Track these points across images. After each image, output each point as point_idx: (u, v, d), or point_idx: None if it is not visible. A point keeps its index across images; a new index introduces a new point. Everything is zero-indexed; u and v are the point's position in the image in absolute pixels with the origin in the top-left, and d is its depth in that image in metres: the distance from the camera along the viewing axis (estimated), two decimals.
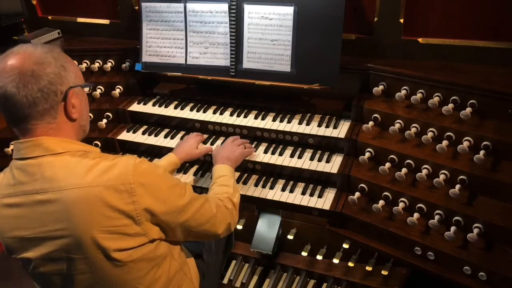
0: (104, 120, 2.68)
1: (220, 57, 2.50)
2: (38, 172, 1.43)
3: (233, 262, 2.99)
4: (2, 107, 1.43)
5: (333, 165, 2.25)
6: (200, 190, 2.34)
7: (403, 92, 2.17)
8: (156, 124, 2.69)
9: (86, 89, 1.74)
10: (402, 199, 2.03)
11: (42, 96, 1.41)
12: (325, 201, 2.19)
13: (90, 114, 2.53)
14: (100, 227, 1.40)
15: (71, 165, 1.43)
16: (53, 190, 1.40)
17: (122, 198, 1.41)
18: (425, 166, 2.02)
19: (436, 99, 2.07)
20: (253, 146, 2.40)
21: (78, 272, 1.48)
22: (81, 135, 1.60)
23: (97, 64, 2.77)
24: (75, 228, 1.40)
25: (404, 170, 2.04)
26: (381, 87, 2.24)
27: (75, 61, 1.69)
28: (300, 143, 2.39)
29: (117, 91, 2.72)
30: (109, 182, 1.40)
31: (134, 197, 1.42)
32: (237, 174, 2.38)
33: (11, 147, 2.68)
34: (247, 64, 2.45)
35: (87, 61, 2.79)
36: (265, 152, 2.38)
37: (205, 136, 2.49)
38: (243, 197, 2.24)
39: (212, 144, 2.47)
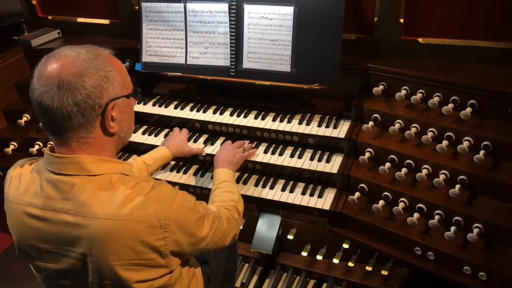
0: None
1: (220, 57, 2.50)
2: (71, 192, 1.37)
3: None
4: (38, 114, 1.37)
5: (333, 165, 2.25)
6: (200, 190, 2.34)
7: (403, 92, 2.17)
8: (156, 124, 2.69)
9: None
10: (402, 199, 2.03)
11: (78, 111, 1.32)
12: (325, 201, 2.19)
13: None
14: (127, 259, 1.38)
15: (107, 192, 1.37)
16: (85, 216, 1.35)
17: (155, 234, 1.38)
18: (425, 166, 2.02)
19: (436, 99, 2.07)
20: (253, 146, 2.40)
21: None
22: (120, 146, 1.53)
23: None
24: (100, 257, 1.37)
25: (404, 170, 2.04)
26: (381, 87, 2.24)
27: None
28: (300, 143, 2.39)
29: None
30: (145, 217, 1.36)
31: (166, 233, 1.40)
32: (237, 174, 2.38)
33: (11, 147, 2.68)
34: (247, 64, 2.45)
35: None
36: (265, 152, 2.38)
37: (204, 138, 2.50)
38: (243, 197, 2.24)
39: (212, 144, 2.47)
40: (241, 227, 2.84)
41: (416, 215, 1.96)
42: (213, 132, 2.55)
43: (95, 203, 1.35)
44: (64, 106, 1.31)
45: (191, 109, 2.61)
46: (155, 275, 1.45)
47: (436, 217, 1.93)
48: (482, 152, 1.89)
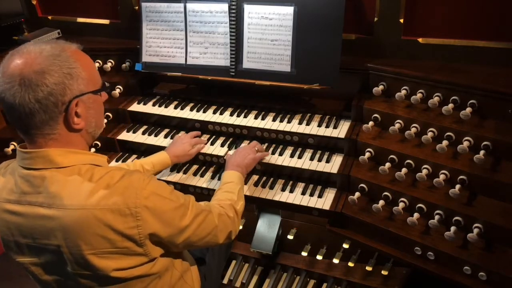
0: (104, 120, 2.66)
1: (220, 57, 2.50)
2: (42, 185, 1.39)
3: (233, 262, 2.99)
4: (4, 110, 1.40)
5: (333, 165, 2.25)
6: (200, 190, 2.34)
7: (403, 92, 2.17)
8: (156, 124, 2.69)
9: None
10: (402, 199, 2.03)
11: (40, 108, 1.34)
12: (325, 201, 2.19)
13: None
14: (101, 248, 1.38)
15: (76, 183, 1.38)
16: (57, 207, 1.37)
17: (126, 222, 1.38)
18: (425, 166, 2.02)
19: (436, 99, 2.06)
20: (263, 148, 2.36)
21: (76, 283, 1.47)
22: (90, 141, 1.54)
23: (97, 64, 2.77)
24: (74, 248, 1.38)
25: (404, 170, 2.04)
26: (381, 87, 2.24)
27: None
28: (300, 143, 2.39)
29: (117, 91, 2.72)
30: (114, 206, 1.36)
31: (139, 221, 1.39)
32: None
33: (11, 147, 2.68)
34: (247, 64, 2.45)
35: None
36: None
37: (204, 138, 2.49)
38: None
39: (212, 144, 2.47)
40: (241, 227, 2.84)
41: (416, 215, 1.96)
42: (213, 132, 2.55)
43: (64, 195, 1.37)
44: (25, 103, 1.33)
45: (191, 109, 2.61)
46: (133, 263, 1.45)
47: (436, 217, 1.93)
48: (482, 152, 1.89)
